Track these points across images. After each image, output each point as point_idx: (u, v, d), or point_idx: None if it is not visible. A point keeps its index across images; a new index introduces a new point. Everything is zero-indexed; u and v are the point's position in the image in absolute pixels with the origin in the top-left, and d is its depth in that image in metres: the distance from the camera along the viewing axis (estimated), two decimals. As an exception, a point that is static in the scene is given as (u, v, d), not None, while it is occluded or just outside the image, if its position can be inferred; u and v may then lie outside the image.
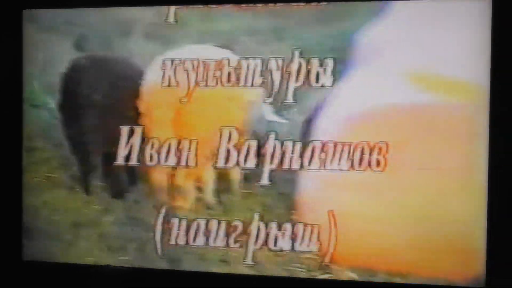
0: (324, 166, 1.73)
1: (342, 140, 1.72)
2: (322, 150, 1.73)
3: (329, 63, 1.73)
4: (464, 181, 1.65)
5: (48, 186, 1.94)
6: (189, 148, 1.82)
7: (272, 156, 1.77)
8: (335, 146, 1.72)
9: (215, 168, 1.81)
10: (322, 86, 1.74)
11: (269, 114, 1.77)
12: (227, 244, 1.81)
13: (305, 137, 1.74)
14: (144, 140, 1.86)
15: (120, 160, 1.87)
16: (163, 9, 1.85)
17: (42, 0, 1.93)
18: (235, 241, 1.80)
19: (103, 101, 1.88)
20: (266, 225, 1.78)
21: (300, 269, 1.77)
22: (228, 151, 1.79)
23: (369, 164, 1.70)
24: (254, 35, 1.79)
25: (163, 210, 1.85)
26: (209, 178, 1.82)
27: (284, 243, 1.77)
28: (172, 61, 1.83)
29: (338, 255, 1.72)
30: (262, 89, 1.78)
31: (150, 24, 1.86)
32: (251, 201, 1.80)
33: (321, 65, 1.74)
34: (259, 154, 1.78)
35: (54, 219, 1.93)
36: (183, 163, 1.83)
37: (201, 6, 1.81)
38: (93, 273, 1.89)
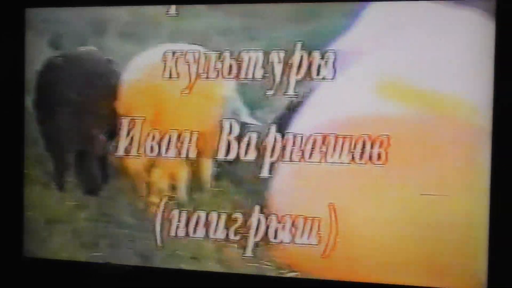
0: (326, 160, 1.73)
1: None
2: (323, 142, 1.73)
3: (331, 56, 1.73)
4: (467, 177, 1.64)
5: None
6: (168, 143, 1.84)
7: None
8: (336, 138, 1.72)
9: (192, 164, 1.83)
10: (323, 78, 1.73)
11: (245, 116, 1.79)
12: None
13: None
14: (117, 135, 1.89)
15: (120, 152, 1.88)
16: (136, 8, 1.87)
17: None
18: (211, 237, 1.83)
19: (78, 99, 1.90)
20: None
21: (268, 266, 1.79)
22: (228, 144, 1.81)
23: (370, 158, 1.69)
24: (226, 34, 1.81)
25: (163, 202, 1.86)
26: (183, 175, 1.84)
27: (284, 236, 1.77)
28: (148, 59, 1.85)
29: (337, 248, 1.72)
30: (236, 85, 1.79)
31: (125, 23, 1.88)
32: (220, 198, 1.81)
33: (322, 57, 1.73)
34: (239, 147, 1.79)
35: (28, 215, 1.96)
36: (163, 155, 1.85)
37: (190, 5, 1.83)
38: (91, 271, 1.91)
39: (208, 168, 1.82)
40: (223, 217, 1.80)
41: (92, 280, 1.90)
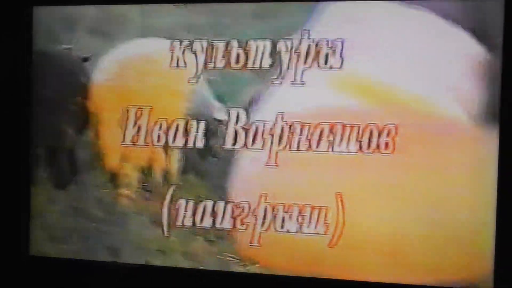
0: (332, 149, 1.73)
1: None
2: (330, 131, 1.73)
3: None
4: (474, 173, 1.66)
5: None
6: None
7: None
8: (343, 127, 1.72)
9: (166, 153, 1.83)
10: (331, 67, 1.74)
11: (218, 112, 1.79)
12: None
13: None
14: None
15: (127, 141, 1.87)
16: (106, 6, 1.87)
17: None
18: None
19: (48, 95, 1.90)
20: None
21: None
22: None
23: (378, 147, 1.70)
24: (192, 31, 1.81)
25: (170, 191, 1.83)
26: (155, 167, 1.84)
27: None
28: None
29: (344, 238, 1.72)
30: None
31: (94, 19, 1.87)
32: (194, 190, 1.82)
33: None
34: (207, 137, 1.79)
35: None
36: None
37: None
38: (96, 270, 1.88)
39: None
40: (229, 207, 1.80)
41: (92, 280, 1.88)
